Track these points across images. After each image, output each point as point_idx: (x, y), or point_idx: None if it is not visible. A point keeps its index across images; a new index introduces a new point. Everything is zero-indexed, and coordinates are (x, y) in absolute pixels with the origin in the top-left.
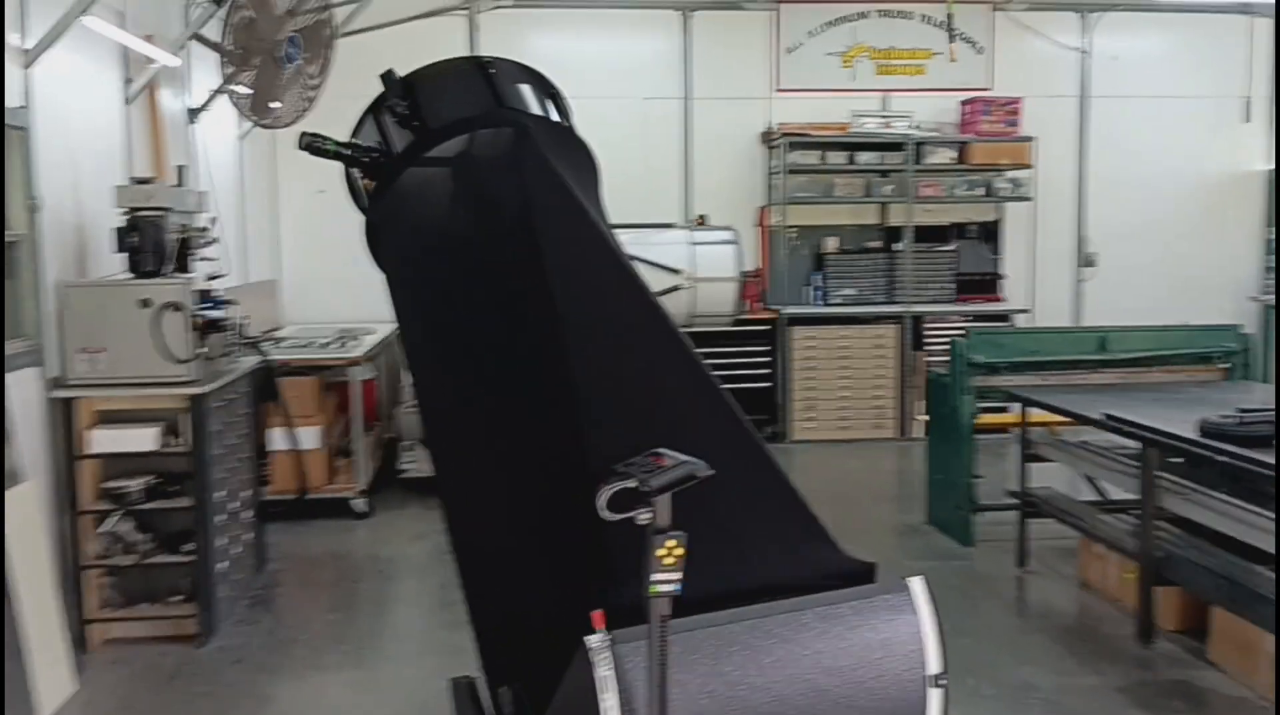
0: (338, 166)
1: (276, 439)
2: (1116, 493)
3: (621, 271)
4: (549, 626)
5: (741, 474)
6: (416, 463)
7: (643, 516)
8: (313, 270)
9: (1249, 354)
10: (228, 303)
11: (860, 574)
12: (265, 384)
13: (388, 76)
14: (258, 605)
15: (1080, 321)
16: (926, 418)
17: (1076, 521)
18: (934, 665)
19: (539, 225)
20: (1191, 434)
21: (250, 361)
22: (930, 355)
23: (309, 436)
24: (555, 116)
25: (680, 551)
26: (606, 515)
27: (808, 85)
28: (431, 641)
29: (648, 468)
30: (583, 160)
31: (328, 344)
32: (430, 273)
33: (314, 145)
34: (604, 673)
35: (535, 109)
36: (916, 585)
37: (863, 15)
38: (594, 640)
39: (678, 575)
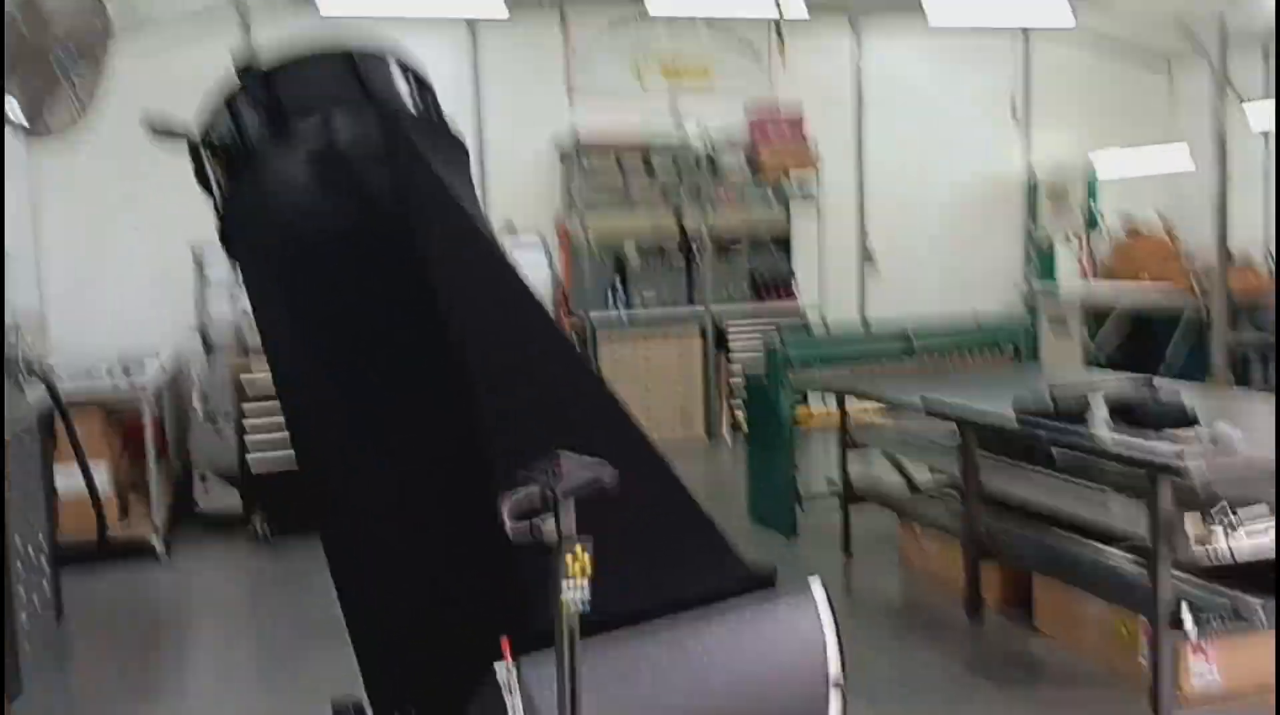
0: (112, 175)
1: (63, 478)
2: (924, 479)
3: (502, 266)
4: (447, 647)
5: (640, 480)
6: (213, 496)
7: (548, 525)
8: (80, 294)
9: (1036, 341)
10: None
11: (762, 579)
12: (48, 418)
13: (245, 66)
14: (64, 658)
15: (866, 317)
16: (744, 416)
17: (897, 505)
18: (835, 667)
19: (414, 217)
20: (1005, 412)
21: (38, 392)
22: (734, 358)
23: (97, 474)
24: (424, 104)
25: (588, 562)
26: (509, 524)
27: (600, 93)
28: (252, 681)
29: (551, 473)
30: (455, 151)
31: (109, 372)
32: (300, 267)
33: (160, 126)
34: (513, 703)
35: (404, 97)
36: (816, 588)
37: (644, 17)
38: (501, 670)
39: (585, 588)
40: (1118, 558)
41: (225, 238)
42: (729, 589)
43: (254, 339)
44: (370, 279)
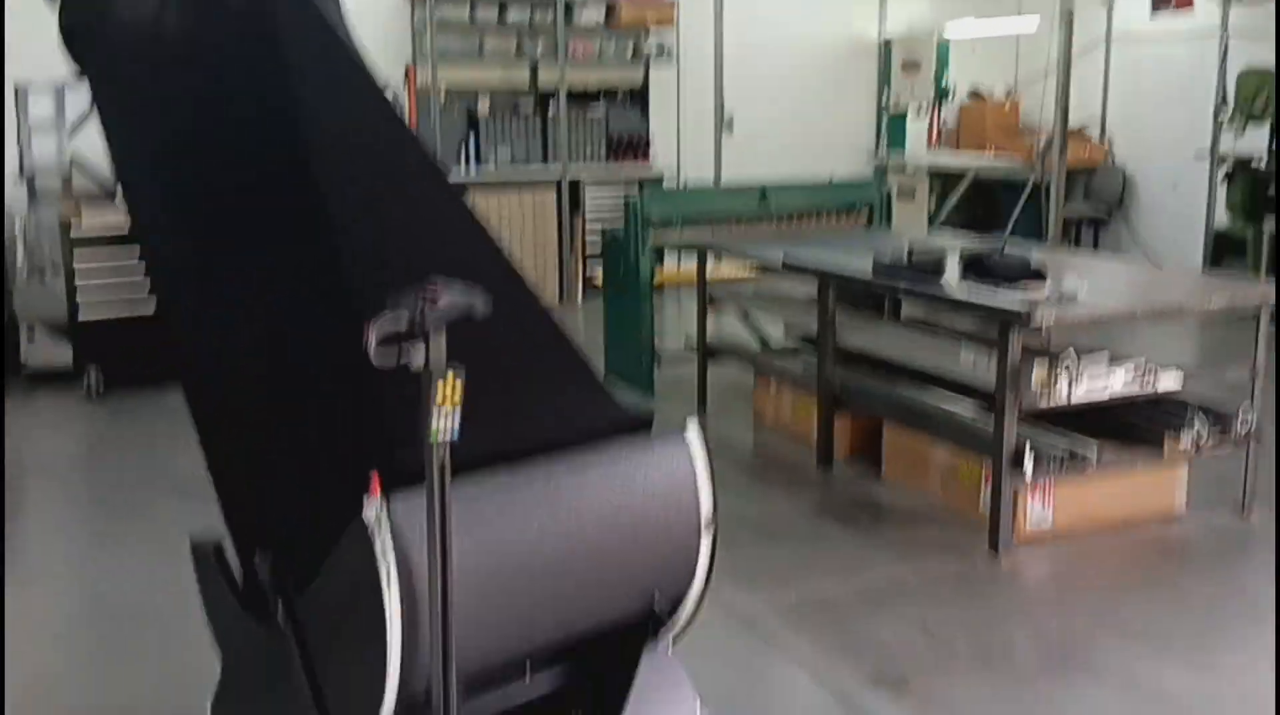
0: None
1: None
2: (778, 338)
3: (366, 80)
4: (313, 487)
5: (514, 317)
6: (41, 351)
7: (417, 356)
8: None
9: (890, 204)
10: None
11: (639, 422)
12: None
13: None
14: None
15: (721, 179)
16: (601, 275)
17: (754, 360)
18: (707, 508)
19: (276, 25)
20: (864, 268)
21: None
22: (590, 218)
23: None
24: None
25: (459, 394)
26: (376, 356)
27: None
28: (97, 539)
29: (420, 301)
30: None
31: None
32: (145, 81)
33: None
34: (382, 543)
35: None
36: (692, 431)
37: None
38: (370, 507)
39: (456, 420)
40: (964, 406)
41: (70, 47)
42: (606, 430)
43: (82, 183)
44: (225, 93)
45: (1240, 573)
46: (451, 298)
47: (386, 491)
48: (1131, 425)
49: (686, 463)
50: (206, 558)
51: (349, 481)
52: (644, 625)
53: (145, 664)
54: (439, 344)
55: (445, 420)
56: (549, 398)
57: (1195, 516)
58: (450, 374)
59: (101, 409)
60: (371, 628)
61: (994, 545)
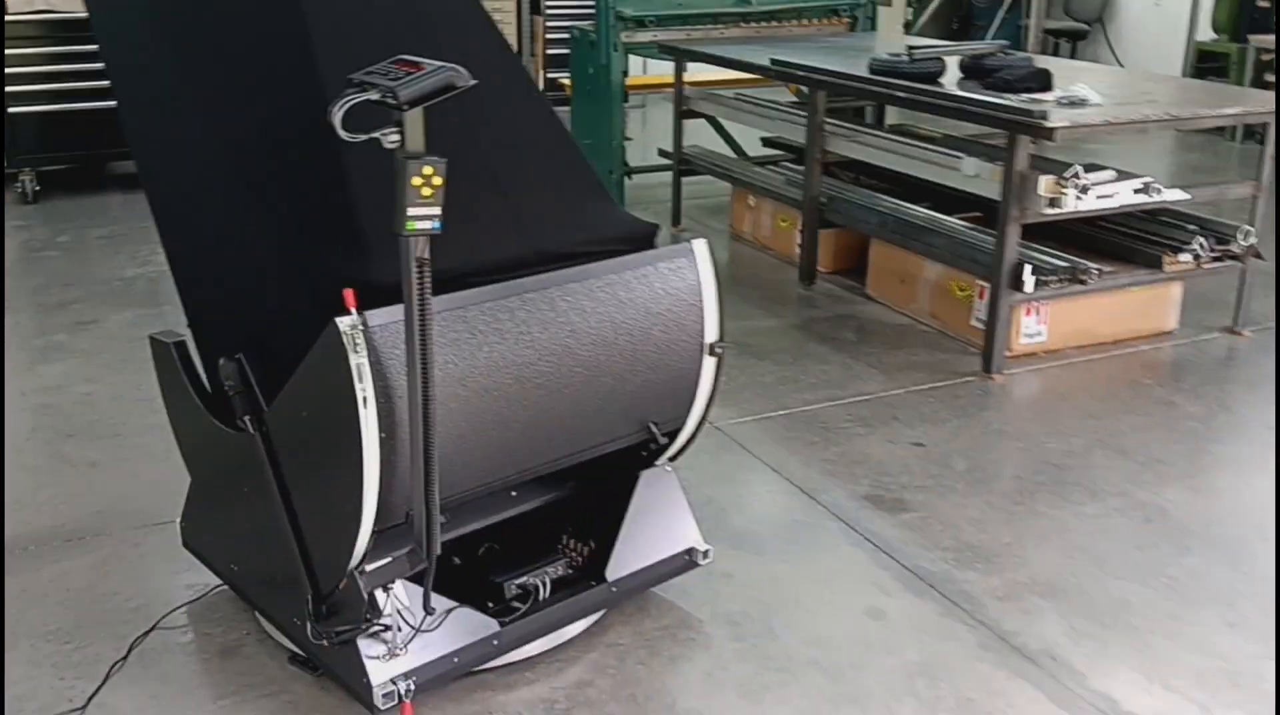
0: None
1: None
2: (755, 152)
3: None
4: (284, 292)
5: (515, 114)
6: None
7: (389, 138)
8: None
9: (875, 9)
10: None
11: (643, 236)
12: None
13: None
14: None
15: None
16: (568, 80)
17: (732, 174)
18: (712, 331)
19: None
20: (861, 73)
21: None
22: (550, 19)
23: None
24: None
25: (439, 181)
26: (344, 135)
27: None
28: (46, 349)
29: (394, 76)
30: None
31: None
32: None
33: None
34: (357, 361)
35: None
36: (700, 247)
37: None
38: (345, 322)
39: (436, 210)
40: (957, 224)
41: None
42: (608, 242)
43: None
44: None
45: (1232, 391)
46: (426, 76)
47: (364, 307)
48: (1127, 246)
49: (693, 281)
50: (168, 357)
51: (324, 287)
52: (639, 450)
53: (107, 477)
54: (416, 127)
55: (424, 214)
56: (549, 204)
57: (1187, 335)
58: (428, 167)
59: (37, 213)
60: (346, 449)
61: (988, 365)
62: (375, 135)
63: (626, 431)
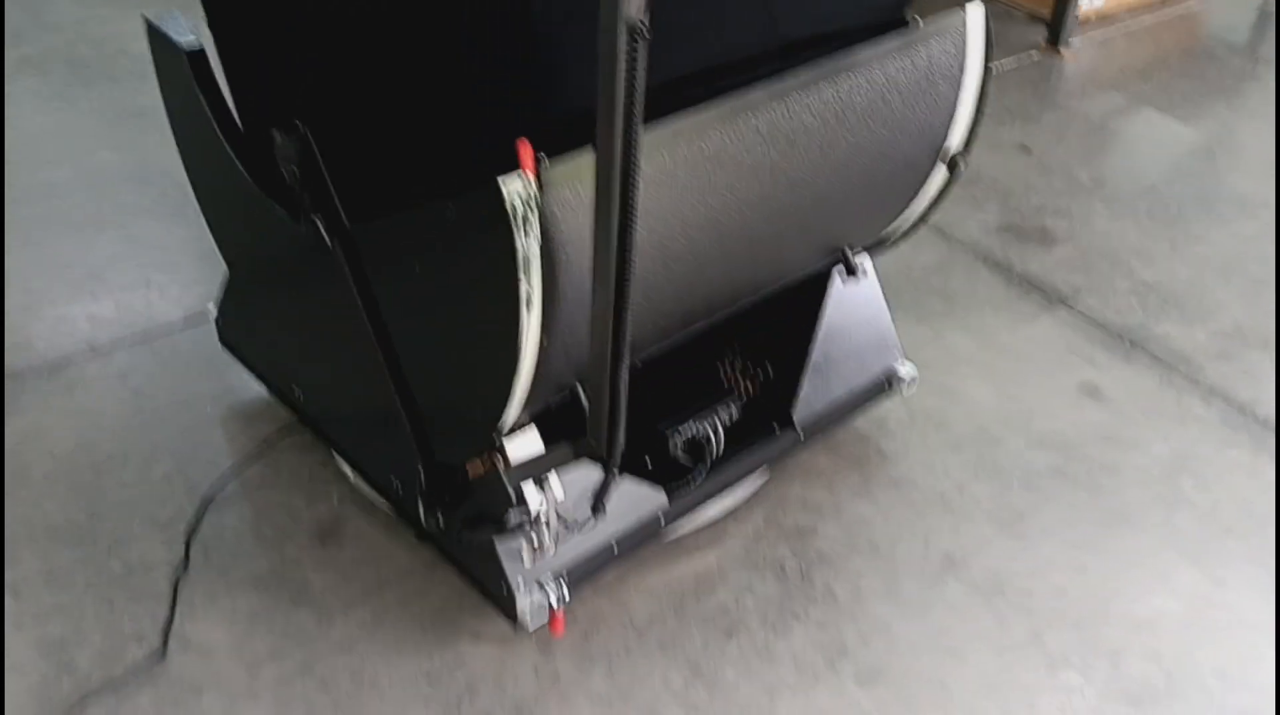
0: None
1: None
2: None
3: None
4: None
5: None
6: None
7: None
8: None
9: None
10: None
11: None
12: None
13: None
14: None
15: None
16: None
17: None
18: (958, 139)
19: None
20: None
21: None
22: None
23: None
24: None
25: None
26: None
27: None
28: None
29: None
30: None
31: None
32: None
33: None
34: (526, 246)
35: None
36: (974, 19)
37: None
38: (514, 186)
39: None
40: None
41: None
42: (859, 20)
43: None
44: None
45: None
46: None
47: (540, 159)
48: None
49: (954, 70)
50: (179, 74)
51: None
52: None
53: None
54: None
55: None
56: None
57: None
58: None
59: None
60: (494, 323)
61: (1055, 38)
62: None
63: (820, 258)
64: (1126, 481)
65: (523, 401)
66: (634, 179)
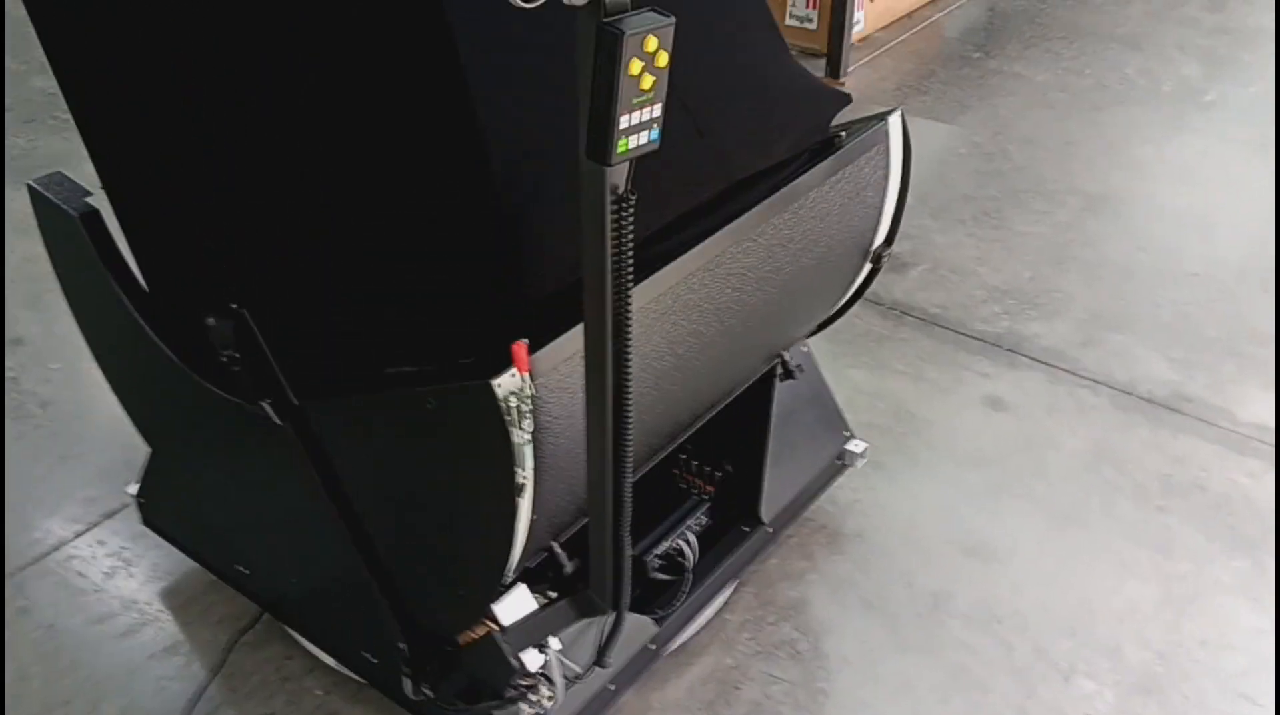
0: None
1: None
2: None
3: None
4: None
5: None
6: None
7: None
8: None
9: None
10: None
11: (829, 118)
12: None
13: None
14: None
15: None
16: None
17: None
18: (883, 234)
19: None
20: None
21: None
22: None
23: None
24: None
25: (664, 59)
26: None
27: None
28: None
29: None
30: None
31: None
32: None
33: None
34: (520, 440)
35: None
36: (895, 128)
37: None
38: (508, 385)
39: (656, 111)
40: None
41: None
42: (808, 141)
43: None
44: None
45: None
46: None
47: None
48: None
49: (880, 176)
50: (77, 244)
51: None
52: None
53: None
54: None
55: (639, 112)
56: (741, 117)
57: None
58: (652, 26)
59: None
60: (485, 510)
61: (835, 69)
62: None
63: (764, 364)
64: (1057, 482)
65: (512, 572)
66: (626, 343)
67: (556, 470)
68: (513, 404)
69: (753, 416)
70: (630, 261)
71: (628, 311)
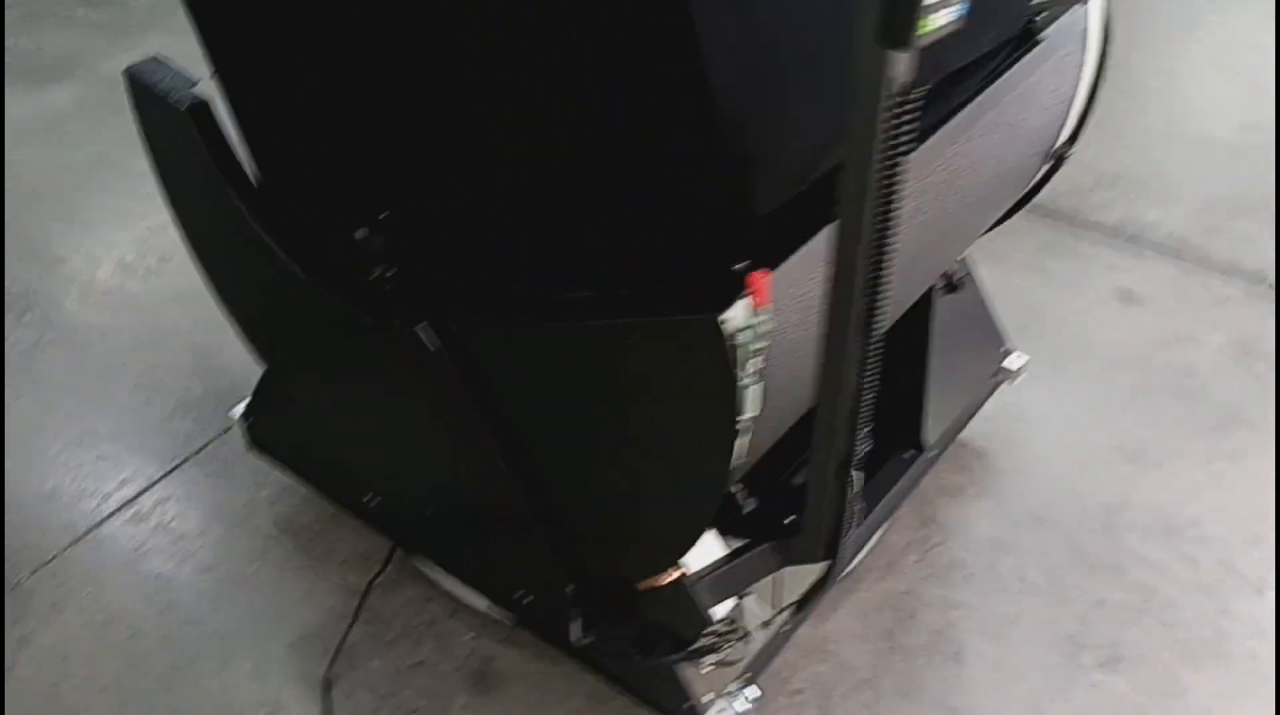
0: None
1: None
2: None
3: None
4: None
5: None
6: None
7: None
8: None
9: None
10: None
11: None
12: None
13: None
14: None
15: None
16: None
17: None
18: (1068, 131)
19: None
20: None
21: None
22: None
23: None
24: None
25: None
26: None
27: None
28: None
29: None
30: None
31: None
32: None
33: None
34: (746, 381)
35: None
36: (1095, 14)
37: None
38: (736, 318)
39: None
40: None
41: None
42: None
43: None
44: None
45: None
46: None
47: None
48: None
49: (1075, 63)
50: (187, 137)
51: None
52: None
53: None
54: None
55: None
56: None
57: None
58: None
59: None
60: (695, 453)
61: None
62: None
63: (935, 278)
64: (1209, 378)
65: (725, 484)
66: (884, 273)
67: (768, 411)
68: (742, 341)
69: (912, 334)
70: (901, 177)
71: (888, 243)
